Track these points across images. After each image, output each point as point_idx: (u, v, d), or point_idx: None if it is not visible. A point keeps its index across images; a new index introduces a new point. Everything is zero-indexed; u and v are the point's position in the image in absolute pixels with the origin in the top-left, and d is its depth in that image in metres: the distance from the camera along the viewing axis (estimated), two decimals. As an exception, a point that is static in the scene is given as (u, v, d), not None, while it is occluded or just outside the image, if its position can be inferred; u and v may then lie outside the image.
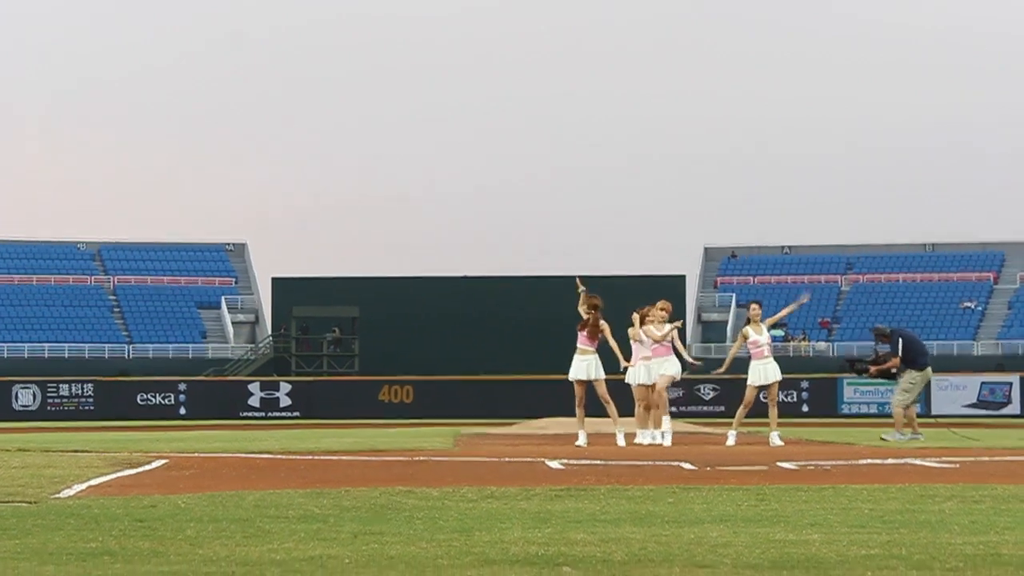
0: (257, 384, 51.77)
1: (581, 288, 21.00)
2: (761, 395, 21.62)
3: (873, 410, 46.90)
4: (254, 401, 50.14)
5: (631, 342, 21.67)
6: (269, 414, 49.45)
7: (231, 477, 13.73)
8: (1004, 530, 8.71)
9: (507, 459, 17.05)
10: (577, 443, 20.66)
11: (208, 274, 73.85)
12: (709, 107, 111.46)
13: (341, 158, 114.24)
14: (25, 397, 49.20)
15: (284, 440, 23.19)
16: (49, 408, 48.88)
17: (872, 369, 24.35)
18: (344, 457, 17.46)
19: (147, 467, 15.07)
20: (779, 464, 15.54)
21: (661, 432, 21.11)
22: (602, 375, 20.86)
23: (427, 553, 7.62)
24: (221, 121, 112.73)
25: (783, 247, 77.02)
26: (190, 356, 67.38)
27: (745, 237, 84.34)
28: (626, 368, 21.25)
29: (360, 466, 15.68)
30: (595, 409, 21.36)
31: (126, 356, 66.92)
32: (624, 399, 22.04)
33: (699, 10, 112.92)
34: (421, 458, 17.06)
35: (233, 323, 71.09)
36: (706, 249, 76.57)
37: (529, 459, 16.90)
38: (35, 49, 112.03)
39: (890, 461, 16.24)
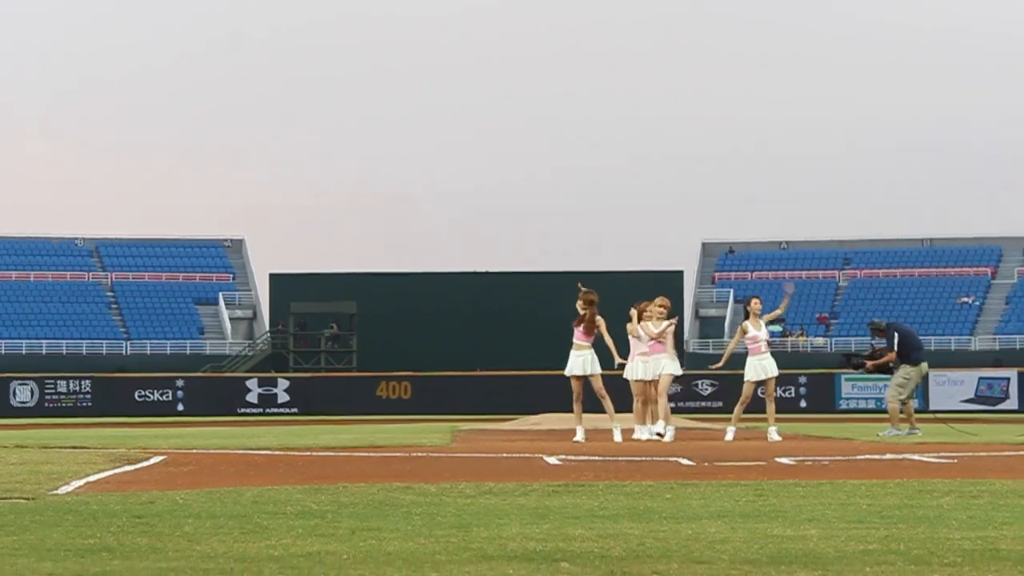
0: (255, 380, 51.73)
1: (583, 291, 21.02)
2: (759, 391, 21.62)
3: (871, 406, 46.85)
4: (252, 397, 50.10)
5: (629, 338, 21.66)
6: (267, 410, 49.42)
7: (229, 473, 13.73)
8: (1002, 525, 8.72)
9: (505, 455, 17.05)
10: (575, 439, 20.66)
11: (206, 270, 73.82)
12: (707, 104, 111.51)
13: (339, 155, 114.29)
14: (23, 393, 49.17)
15: (282, 436, 23.19)
16: (47, 405, 48.84)
17: (868, 364, 24.34)
18: (342, 453, 17.46)
19: (145, 463, 15.06)
20: (777, 460, 15.54)
21: (663, 427, 21.08)
22: (598, 370, 20.86)
23: (425, 549, 7.62)
24: (219, 118, 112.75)
25: (780, 242, 77.02)
26: (188, 352, 67.38)
27: (743, 232, 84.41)
28: (621, 364, 21.22)
29: (358, 462, 15.68)
30: (593, 405, 21.36)
31: (124, 352, 66.90)
32: (621, 394, 22.03)
33: (697, 9, 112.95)
34: (419, 454, 17.06)
35: (231, 319, 71.07)
36: (703, 244, 76.55)
37: (527, 455, 16.90)
38: (34, 47, 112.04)
39: (888, 456, 16.24)
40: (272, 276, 68.04)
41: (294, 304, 64.28)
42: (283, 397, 50.11)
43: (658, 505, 10.02)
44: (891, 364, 23.75)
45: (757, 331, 21.35)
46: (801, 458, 15.81)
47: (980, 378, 50.30)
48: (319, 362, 64.00)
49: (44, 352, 65.78)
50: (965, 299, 70.89)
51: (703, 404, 48.14)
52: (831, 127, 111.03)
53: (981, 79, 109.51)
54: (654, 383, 21.44)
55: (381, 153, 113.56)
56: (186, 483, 12.21)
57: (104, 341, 67.39)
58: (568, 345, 21.10)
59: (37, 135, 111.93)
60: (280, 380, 51.66)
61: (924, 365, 23.88)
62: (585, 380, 20.91)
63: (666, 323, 21.42)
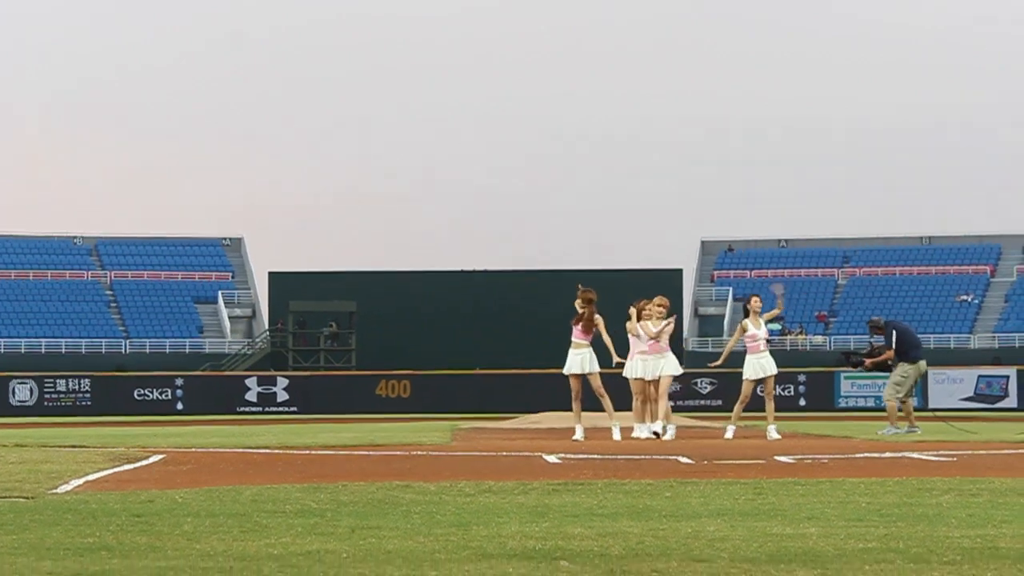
0: (254, 379, 51.72)
1: (582, 289, 21.02)
2: (758, 389, 21.62)
3: (870, 404, 46.86)
4: (251, 396, 50.09)
5: (629, 336, 21.64)
6: (266, 409, 49.41)
7: (228, 472, 13.73)
8: (1001, 523, 8.72)
9: (504, 453, 17.05)
10: (574, 437, 20.65)
11: (205, 269, 73.81)
12: (706, 103, 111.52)
13: (338, 154, 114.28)
14: (22, 392, 49.16)
15: (281, 435, 23.19)
16: (46, 403, 48.82)
17: (867, 362, 24.33)
18: (341, 452, 17.46)
19: (144, 462, 15.06)
20: (776, 458, 15.54)
21: (661, 427, 21.06)
22: (596, 369, 20.86)
23: (424, 547, 7.62)
24: (218, 117, 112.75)
25: (780, 240, 77.03)
26: (187, 351, 67.38)
27: (742, 231, 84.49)
28: (619, 363, 21.20)
29: (357, 461, 15.68)
30: (592, 403, 21.36)
31: (123, 351, 66.90)
32: (621, 393, 22.02)
33: (696, 6, 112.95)
34: (418, 453, 17.06)
35: (230, 318, 71.08)
36: (703, 243, 76.57)
37: (526, 453, 16.91)
38: (34, 47, 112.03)
39: (887, 455, 16.25)
40: (271, 275, 68.02)
41: (293, 303, 64.25)
42: (282, 396, 50.09)
43: (657, 503, 10.03)
44: (889, 362, 23.72)
45: (756, 330, 21.35)
46: (800, 456, 15.81)
47: (979, 376, 50.31)
48: (318, 361, 63.97)
49: (43, 351, 65.79)
50: (964, 297, 70.90)
51: (702, 402, 48.14)
52: (830, 126, 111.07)
53: (980, 78, 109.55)
54: (653, 382, 21.43)
55: (380, 152, 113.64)
56: (185, 482, 12.21)
57: (103, 340, 67.39)
58: (567, 344, 21.10)
59: (36, 134, 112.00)
60: (279, 379, 51.64)
61: (922, 363, 23.81)
62: (584, 379, 20.91)
63: (664, 323, 21.41)
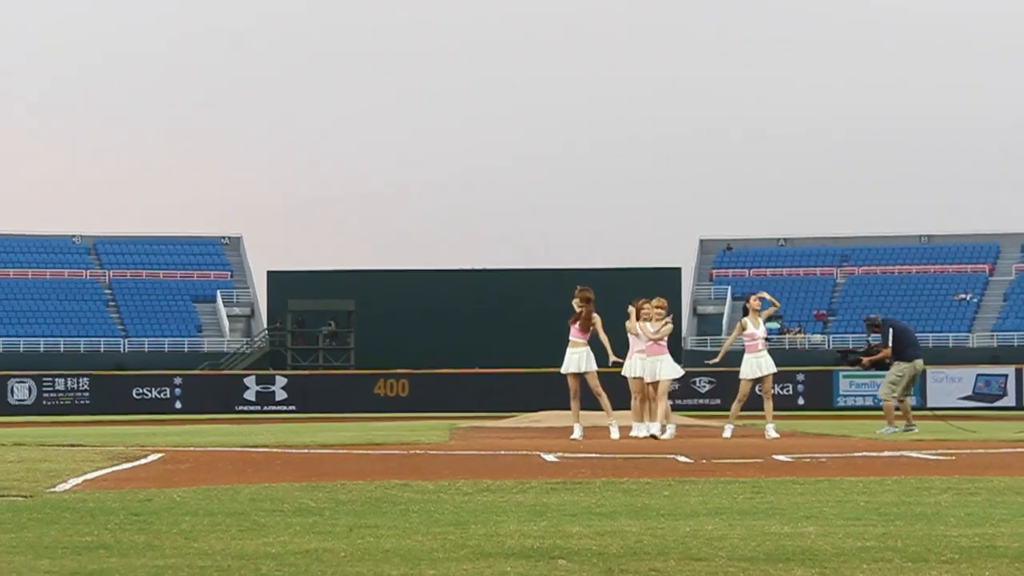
0: (253, 378, 51.68)
1: (579, 288, 21.02)
2: (756, 388, 21.62)
3: (869, 403, 46.83)
4: (250, 395, 50.05)
5: (628, 335, 21.64)
6: (265, 408, 49.37)
7: (227, 471, 13.72)
8: (999, 522, 8.72)
9: (503, 452, 17.05)
10: (572, 436, 20.65)
11: (204, 268, 73.82)
12: (705, 101, 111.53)
13: (337, 152, 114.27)
14: (21, 391, 49.14)
15: (280, 434, 23.19)
16: (45, 402, 48.79)
17: (864, 360, 24.31)
18: (340, 451, 17.46)
19: (143, 461, 15.06)
20: (775, 457, 15.55)
21: (659, 429, 21.03)
22: (594, 367, 20.85)
23: (423, 546, 7.62)
24: (217, 116, 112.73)
25: (779, 239, 77.05)
26: (186, 350, 67.39)
27: (741, 229, 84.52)
28: (616, 362, 21.17)
29: (356, 459, 15.68)
30: (591, 402, 21.35)
31: (122, 350, 66.91)
32: (619, 392, 22.02)
33: (696, 6, 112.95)
34: (417, 451, 17.06)
35: (229, 317, 71.09)
36: (701, 241, 76.59)
37: (525, 452, 16.91)
38: (30, 44, 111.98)
39: (886, 454, 16.25)
40: (270, 273, 68.05)
41: (292, 302, 64.26)
42: (281, 395, 50.07)
43: (656, 502, 10.03)
44: (886, 360, 23.70)
45: (755, 328, 21.36)
46: (799, 455, 15.82)
47: (978, 375, 50.29)
48: (317, 360, 63.99)
49: (42, 350, 65.80)
50: (963, 296, 70.92)
51: (701, 401, 48.14)
52: (829, 124, 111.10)
53: (979, 76, 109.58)
54: (652, 383, 21.41)
55: (379, 151, 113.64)
56: (184, 481, 12.21)
57: (102, 339, 67.40)
58: (566, 343, 21.09)
59: (35, 132, 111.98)
60: (278, 378, 51.62)
61: (919, 362, 23.73)
62: (582, 378, 20.90)
63: (661, 323, 21.37)
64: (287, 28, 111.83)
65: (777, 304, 22.16)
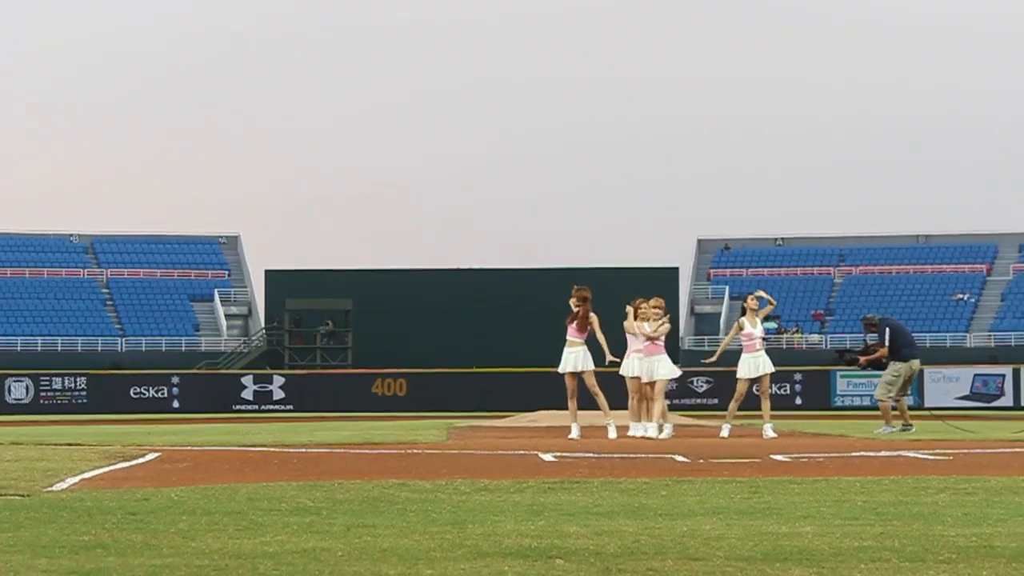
0: (250, 377, 51.69)
1: (576, 287, 21.01)
2: (754, 388, 21.62)
3: (866, 403, 46.84)
4: (247, 394, 50.06)
5: (627, 335, 21.63)
6: (262, 407, 49.37)
7: (224, 470, 13.72)
8: (997, 522, 8.72)
9: (500, 452, 17.05)
10: (570, 436, 20.65)
11: (201, 267, 73.80)
12: (703, 100, 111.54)
13: (334, 151, 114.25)
14: (18, 390, 49.13)
15: (277, 433, 23.18)
16: (42, 401, 48.79)
17: (862, 360, 24.30)
18: (337, 450, 17.45)
19: (140, 460, 15.06)
20: (772, 456, 15.55)
21: (655, 430, 21.01)
22: (591, 367, 20.84)
23: (420, 546, 7.62)
24: (214, 115, 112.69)
25: (776, 239, 77.06)
26: (183, 349, 67.38)
27: (738, 229, 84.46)
28: (612, 362, 21.14)
29: (353, 459, 15.68)
30: (589, 402, 21.35)
31: (119, 349, 66.89)
32: (616, 392, 22.01)
33: (694, 5, 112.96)
34: (414, 451, 17.06)
35: (226, 316, 71.08)
36: (699, 241, 76.60)
37: (522, 452, 16.90)
38: (28, 43, 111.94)
39: (883, 453, 16.25)
40: (267, 272, 68.07)
41: (289, 301, 64.27)
42: (278, 394, 50.07)
43: (653, 502, 10.02)
44: (883, 360, 23.68)
45: (753, 328, 21.35)
46: (796, 455, 15.82)
47: (975, 375, 50.32)
48: (314, 359, 64.00)
49: (39, 349, 65.78)
50: (960, 296, 70.94)
51: (698, 401, 48.15)
52: (826, 124, 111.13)
53: (977, 76, 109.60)
54: (649, 382, 21.40)
55: (376, 150, 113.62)
56: (181, 480, 12.21)
57: (99, 338, 67.38)
58: (563, 342, 21.08)
59: (33, 132, 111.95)
60: (275, 377, 51.63)
61: (915, 362, 23.68)
62: (580, 377, 20.89)
63: (658, 322, 21.35)
64: (285, 28, 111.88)
65: (774, 302, 22.15)
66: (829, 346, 64.36)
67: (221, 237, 75.89)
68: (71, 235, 74.58)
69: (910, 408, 24.29)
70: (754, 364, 21.36)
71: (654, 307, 21.35)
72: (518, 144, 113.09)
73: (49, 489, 11.17)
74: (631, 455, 16.04)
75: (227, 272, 73.80)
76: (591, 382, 20.79)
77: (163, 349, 67.25)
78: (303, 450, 17.28)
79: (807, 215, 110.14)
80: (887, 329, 23.68)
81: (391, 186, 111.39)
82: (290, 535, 8.05)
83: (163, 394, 49.75)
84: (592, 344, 20.77)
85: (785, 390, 48.19)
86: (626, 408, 21.88)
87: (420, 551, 7.43)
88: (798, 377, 49.69)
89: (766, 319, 21.89)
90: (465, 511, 9.37)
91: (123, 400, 49.02)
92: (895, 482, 11.60)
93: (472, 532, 8.18)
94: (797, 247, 76.28)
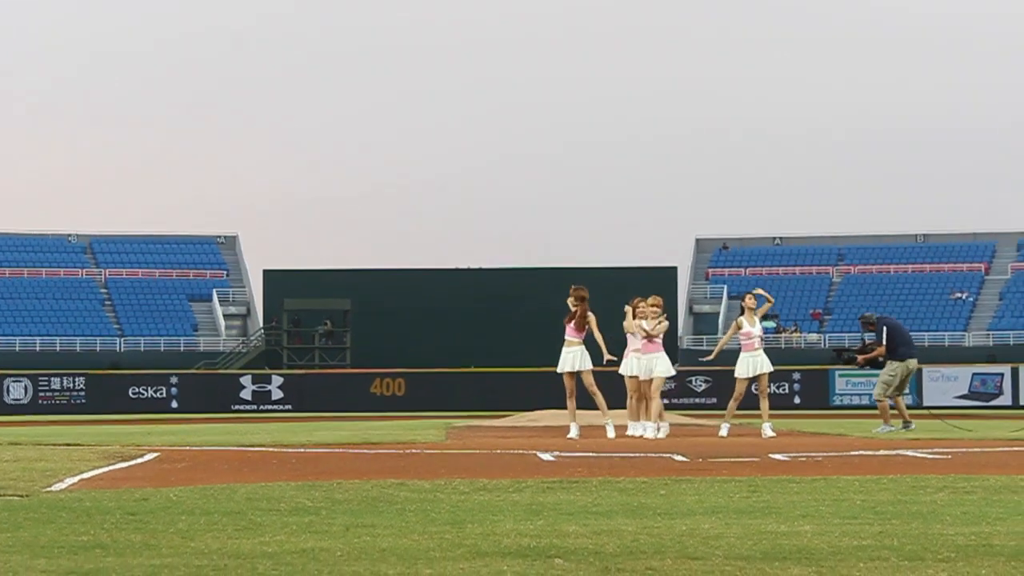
0: (249, 377, 51.66)
1: (574, 287, 21.02)
2: (752, 387, 21.62)
3: (865, 402, 46.85)
4: (246, 394, 50.04)
5: (626, 334, 21.63)
6: (261, 407, 49.35)
7: (223, 470, 13.72)
8: (996, 521, 8.73)
9: (499, 451, 17.05)
10: (569, 435, 20.64)
11: (199, 267, 73.77)
12: (701, 100, 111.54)
13: (334, 151, 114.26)
14: (16, 391, 49.11)
15: (276, 433, 23.18)
16: (41, 402, 48.77)
17: (860, 358, 24.31)
18: (336, 450, 17.45)
19: (139, 460, 15.05)
20: (771, 456, 15.55)
21: (652, 429, 20.99)
22: (588, 366, 20.84)
23: (419, 545, 7.62)
24: (213, 115, 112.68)
25: (774, 238, 77.05)
26: (181, 349, 67.35)
27: (736, 228, 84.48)
28: (609, 361, 21.13)
29: (352, 459, 15.68)
30: (588, 402, 21.35)
31: (117, 349, 66.86)
32: (615, 391, 22.01)
33: (693, 5, 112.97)
34: (413, 451, 17.06)
35: (224, 316, 71.04)
36: (697, 241, 76.59)
37: (521, 451, 16.91)
38: (27, 43, 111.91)
39: (882, 452, 16.25)
40: (266, 272, 68.04)
41: (288, 301, 64.26)
42: (277, 394, 50.05)
43: (652, 501, 10.03)
44: (880, 359, 23.68)
45: (752, 327, 21.35)
46: (795, 454, 15.82)
47: (974, 374, 50.33)
48: (313, 359, 63.99)
49: (38, 349, 65.75)
50: (959, 295, 70.93)
51: (697, 400, 48.15)
52: (825, 124, 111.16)
53: (975, 76, 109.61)
54: (647, 380, 21.41)
55: (377, 150, 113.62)
56: (180, 480, 12.20)
57: (98, 338, 67.35)
58: (562, 342, 21.09)
59: (31, 132, 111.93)
60: (274, 377, 51.61)
61: (912, 362, 23.64)
62: (578, 376, 20.89)
63: (656, 321, 21.35)
64: (285, 28, 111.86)
65: (772, 300, 22.16)
66: (828, 345, 64.35)
67: (219, 237, 75.87)
68: (70, 235, 74.56)
69: (909, 407, 24.28)
70: (753, 363, 21.36)
71: (652, 305, 21.35)
72: (517, 144, 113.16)
73: (48, 489, 11.17)
74: (630, 454, 16.04)
75: (226, 272, 73.78)
76: (589, 381, 20.79)
77: (162, 349, 67.23)
78: (302, 450, 17.27)
79: (805, 214, 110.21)
80: (885, 328, 23.67)
81: (390, 186, 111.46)
82: (289, 535, 8.05)
83: (162, 394, 49.73)
84: (590, 343, 20.77)
85: (784, 389, 48.19)
86: (624, 407, 21.88)
87: (419, 551, 7.43)
88: (797, 376, 49.68)
89: (765, 318, 21.88)
90: (464, 511, 9.37)
91: (122, 400, 49.00)
92: (894, 481, 11.60)
93: (471, 532, 8.18)
94: (795, 246, 76.28)
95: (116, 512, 9.24)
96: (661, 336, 21.35)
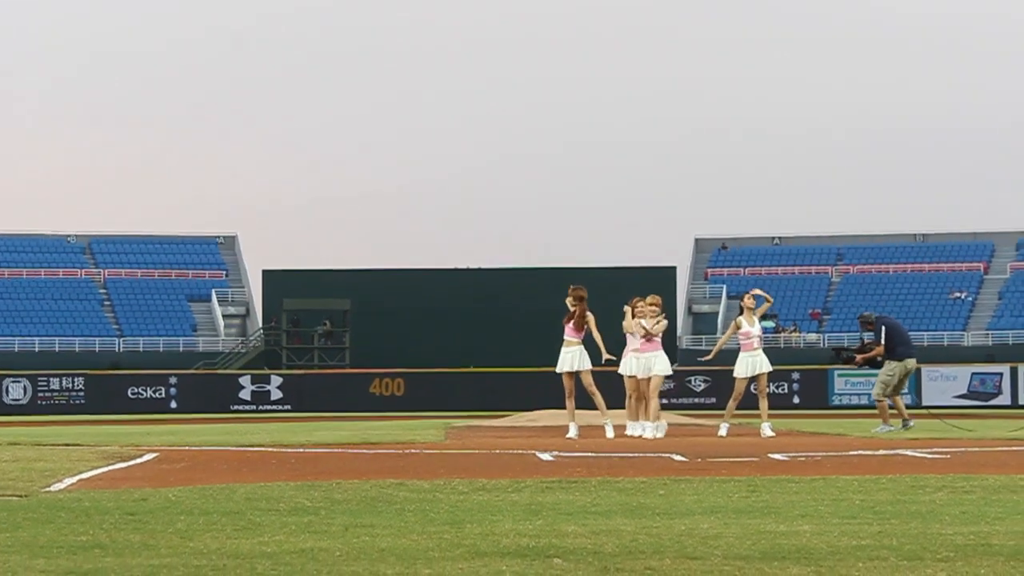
0: (248, 377, 51.65)
1: (572, 287, 21.01)
2: (751, 387, 21.62)
3: (864, 401, 46.86)
4: (245, 394, 50.04)
5: (626, 335, 21.62)
6: (260, 407, 49.35)
7: (222, 470, 13.72)
8: (995, 520, 8.73)
9: (498, 451, 17.05)
10: (568, 435, 20.64)
11: (199, 267, 73.76)
12: (700, 100, 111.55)
13: (332, 151, 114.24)
14: (16, 391, 49.11)
15: (275, 433, 23.18)
16: (40, 402, 48.77)
17: (858, 358, 24.31)
18: (335, 450, 17.45)
19: (138, 460, 15.05)
20: (770, 455, 15.55)
21: (654, 426, 21.01)
22: (587, 366, 20.84)
23: (418, 545, 7.62)
24: (212, 115, 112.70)
25: (773, 238, 77.05)
26: (181, 349, 67.34)
27: (736, 228, 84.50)
28: (607, 360, 21.13)
29: (351, 459, 15.68)
30: (587, 402, 21.35)
31: (117, 349, 66.84)
32: (614, 391, 22.00)
33: (691, 5, 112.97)
34: (412, 451, 17.06)
35: (224, 316, 71.03)
36: (697, 240, 76.59)
37: (520, 451, 16.91)
38: (26, 43, 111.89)
39: (881, 452, 16.25)
40: (265, 272, 68.03)
41: (287, 301, 64.26)
42: (276, 394, 50.05)
43: (651, 501, 10.03)
44: (878, 358, 23.67)
45: (751, 327, 21.35)
46: (794, 454, 15.83)
47: (973, 374, 50.34)
48: (312, 359, 63.98)
49: (37, 349, 65.73)
50: (958, 294, 70.93)
51: (696, 400, 48.15)
52: (824, 124, 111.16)
53: (974, 76, 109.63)
54: (645, 380, 21.40)
55: (376, 150, 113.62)
56: (179, 480, 12.20)
57: (97, 338, 67.34)
58: (561, 342, 21.09)
59: (30, 132, 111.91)
60: (273, 377, 51.61)
61: (910, 361, 23.63)
62: (577, 376, 20.89)
63: (654, 320, 21.35)
64: (285, 28, 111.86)
65: (770, 300, 22.16)
66: (827, 345, 64.34)
67: (219, 237, 75.85)
68: (69, 235, 74.54)
69: (908, 407, 24.27)
70: (752, 363, 21.36)
71: (651, 304, 21.35)
72: (516, 144, 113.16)
73: (47, 489, 11.17)
74: (629, 454, 16.05)
75: (225, 272, 73.76)
76: (588, 381, 20.79)
77: (161, 349, 67.21)
78: (301, 450, 17.27)
79: (804, 214, 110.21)
80: (883, 327, 23.67)
81: (390, 186, 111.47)
82: (288, 535, 8.05)
83: (161, 394, 49.73)
84: (589, 344, 20.77)
85: (783, 389, 48.20)
86: (623, 407, 21.88)
87: (418, 551, 7.43)
88: (796, 376, 49.69)
89: (764, 318, 21.88)
90: (463, 511, 9.37)
91: (121, 400, 48.99)
92: (893, 481, 11.60)
93: (470, 532, 8.18)
94: (794, 246, 76.28)
95: (115, 512, 9.24)
96: (660, 335, 21.35)
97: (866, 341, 24.57)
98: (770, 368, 21.56)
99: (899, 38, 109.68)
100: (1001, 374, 49.99)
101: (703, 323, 71.58)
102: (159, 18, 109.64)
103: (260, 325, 68.72)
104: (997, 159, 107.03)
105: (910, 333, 25.19)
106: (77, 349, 65.89)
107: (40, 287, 70.79)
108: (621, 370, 21.54)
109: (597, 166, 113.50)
